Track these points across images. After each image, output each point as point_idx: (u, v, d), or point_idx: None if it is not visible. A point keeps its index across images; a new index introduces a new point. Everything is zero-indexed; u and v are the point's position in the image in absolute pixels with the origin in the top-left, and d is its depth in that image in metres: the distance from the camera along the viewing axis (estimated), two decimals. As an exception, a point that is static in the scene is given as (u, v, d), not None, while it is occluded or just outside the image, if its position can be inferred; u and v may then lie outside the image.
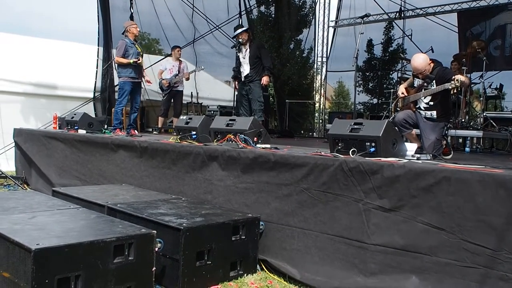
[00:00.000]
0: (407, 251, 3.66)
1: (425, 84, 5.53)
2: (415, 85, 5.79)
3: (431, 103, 5.53)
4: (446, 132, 6.02)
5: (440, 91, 5.32)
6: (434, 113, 5.53)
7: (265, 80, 8.26)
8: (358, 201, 3.99)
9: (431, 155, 4.77)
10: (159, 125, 10.55)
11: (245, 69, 8.35)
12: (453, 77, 5.08)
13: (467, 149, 8.03)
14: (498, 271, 3.18)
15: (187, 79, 10.37)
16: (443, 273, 3.46)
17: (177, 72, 10.21)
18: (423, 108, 5.61)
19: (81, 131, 8.04)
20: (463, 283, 3.34)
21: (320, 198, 4.28)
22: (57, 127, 9.25)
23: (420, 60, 5.49)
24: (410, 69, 5.98)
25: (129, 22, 8.73)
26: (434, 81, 5.43)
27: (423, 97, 5.56)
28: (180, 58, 10.48)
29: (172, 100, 10.41)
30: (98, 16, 11.52)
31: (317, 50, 16.56)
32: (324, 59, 16.33)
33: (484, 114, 9.07)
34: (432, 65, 5.50)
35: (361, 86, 16.82)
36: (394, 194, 3.76)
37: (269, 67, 8.41)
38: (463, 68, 8.97)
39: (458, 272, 3.37)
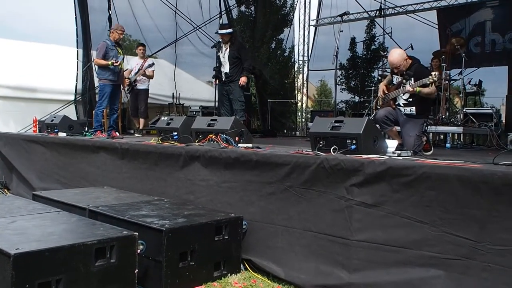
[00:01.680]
0: (391, 246, 3.67)
1: (404, 81, 5.57)
2: (394, 82, 5.82)
3: (410, 99, 5.58)
4: (426, 128, 6.07)
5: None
6: (414, 109, 5.58)
7: (242, 80, 8.22)
8: (341, 197, 4.00)
9: (411, 151, 4.80)
10: (137, 125, 10.38)
11: (225, 68, 8.34)
12: (432, 73, 5.15)
13: (447, 145, 8.12)
14: (480, 262, 3.22)
15: (150, 77, 10.13)
16: (427, 266, 3.48)
17: (137, 71, 10.08)
18: (402, 105, 5.66)
19: (62, 134, 7.96)
20: (447, 275, 3.37)
21: (304, 196, 4.28)
22: (37, 131, 9.14)
23: (395, 55, 5.55)
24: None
25: (117, 25, 8.58)
26: (412, 78, 5.48)
27: (402, 94, 5.60)
28: (144, 57, 10.32)
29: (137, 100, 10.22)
30: (76, 17, 11.39)
31: (298, 49, 16.64)
32: (306, 58, 16.38)
33: (464, 110, 9.16)
34: (409, 61, 5.55)
35: (344, 84, 16.92)
36: (376, 190, 3.77)
37: (247, 68, 8.40)
38: (443, 65, 9.06)
39: (442, 265, 3.41)
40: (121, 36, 8.43)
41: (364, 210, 3.85)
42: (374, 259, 3.76)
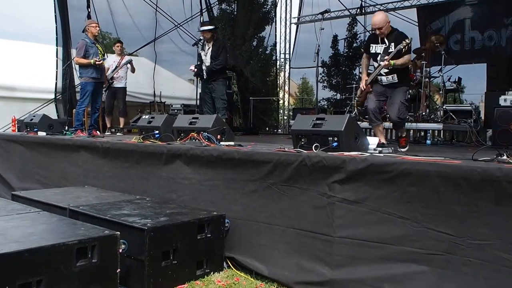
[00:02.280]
0: (373, 242, 3.70)
1: (384, 59, 5.63)
2: (372, 51, 5.89)
3: (390, 67, 5.68)
4: (409, 95, 6.13)
5: (396, 55, 5.53)
6: (395, 76, 5.71)
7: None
8: (323, 194, 4.01)
9: (392, 148, 4.84)
10: (108, 125, 10.20)
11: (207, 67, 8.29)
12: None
13: (428, 141, 8.19)
14: (461, 256, 3.27)
15: (133, 70, 10.09)
16: (409, 261, 3.51)
17: (114, 68, 9.95)
18: (384, 74, 5.75)
19: (41, 133, 7.85)
20: (428, 270, 3.41)
21: (286, 193, 4.29)
22: (16, 130, 9.02)
23: (379, 16, 5.72)
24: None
25: (89, 21, 8.53)
26: (392, 44, 5.62)
27: (379, 71, 5.71)
28: (122, 54, 10.22)
29: (115, 98, 10.09)
30: (55, 15, 11.27)
31: (280, 47, 16.65)
32: (287, 56, 16.40)
33: (444, 107, 9.26)
34: (390, 27, 5.72)
35: (325, 82, 16.96)
36: (358, 187, 3.80)
37: (214, 65, 8.24)
38: (422, 62, 9.15)
39: (423, 260, 3.44)
40: (97, 29, 8.33)
41: (346, 207, 3.87)
42: (357, 255, 3.79)
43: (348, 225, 3.86)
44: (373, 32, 5.93)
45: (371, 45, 5.91)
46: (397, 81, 5.71)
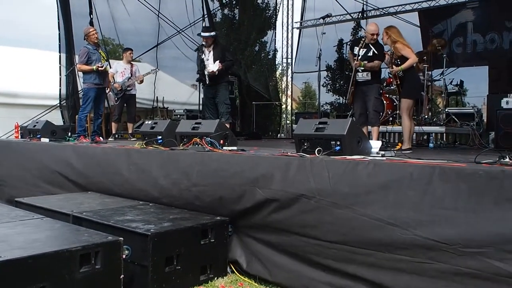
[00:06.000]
0: (361, 248, 3.63)
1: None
2: (355, 52, 6.93)
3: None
4: (381, 91, 6.95)
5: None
6: (369, 74, 6.73)
7: (218, 63, 8.18)
8: (310, 198, 3.95)
9: (394, 151, 4.83)
10: (113, 131, 10.18)
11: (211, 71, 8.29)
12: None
13: (431, 145, 8.17)
14: (452, 265, 3.15)
15: (141, 82, 10.13)
16: (397, 269, 3.44)
17: (129, 75, 9.95)
18: (360, 70, 6.79)
19: (44, 140, 7.87)
20: (418, 279, 3.33)
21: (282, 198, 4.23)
22: (19, 136, 9.04)
23: (374, 25, 6.98)
24: None
25: (87, 29, 8.54)
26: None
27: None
28: (132, 62, 10.28)
29: (125, 105, 10.13)
30: (58, 22, 11.31)
31: (283, 51, 16.66)
32: (289, 61, 16.40)
33: (446, 110, 9.25)
34: (375, 38, 6.90)
35: (329, 86, 16.91)
36: (349, 191, 3.74)
37: (229, 62, 8.41)
38: (424, 65, 9.15)
39: (413, 268, 3.35)
40: (96, 35, 8.35)
41: (334, 211, 3.79)
42: (347, 260, 3.73)
43: (336, 231, 3.79)
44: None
45: (354, 47, 7.07)
46: (370, 78, 6.69)
